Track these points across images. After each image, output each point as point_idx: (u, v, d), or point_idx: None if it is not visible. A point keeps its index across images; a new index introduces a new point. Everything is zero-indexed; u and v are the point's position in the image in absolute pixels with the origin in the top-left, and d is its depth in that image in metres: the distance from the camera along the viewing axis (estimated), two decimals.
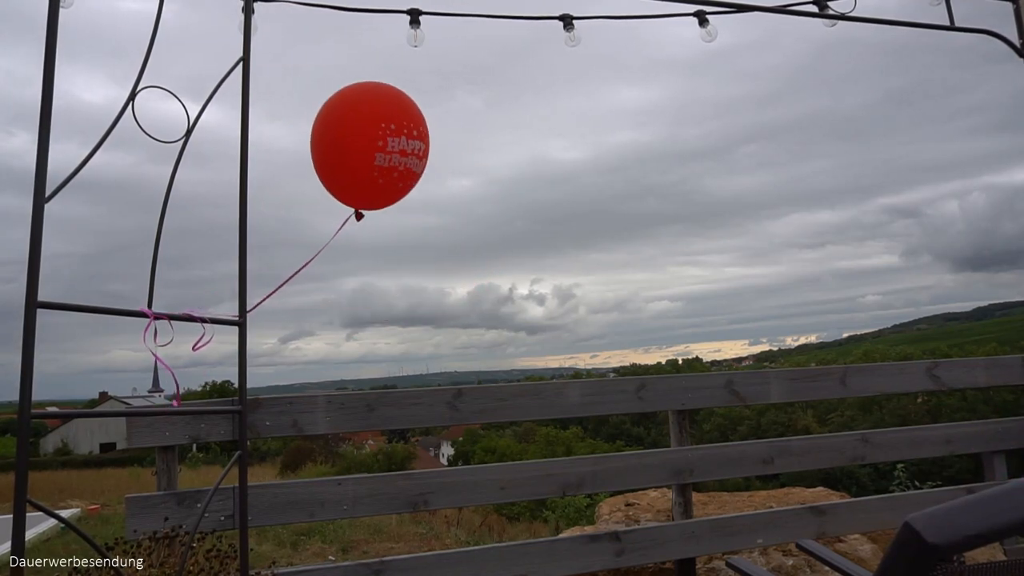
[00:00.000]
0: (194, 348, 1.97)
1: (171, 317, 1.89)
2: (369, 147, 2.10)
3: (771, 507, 3.36)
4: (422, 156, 2.19)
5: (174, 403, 2.02)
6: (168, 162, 2.01)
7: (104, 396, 54.97)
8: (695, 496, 3.70)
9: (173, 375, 1.93)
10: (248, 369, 2.18)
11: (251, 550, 2.17)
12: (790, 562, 3.23)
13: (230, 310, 2.07)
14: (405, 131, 2.12)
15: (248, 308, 2.07)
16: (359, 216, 2.26)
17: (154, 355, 1.85)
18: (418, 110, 2.26)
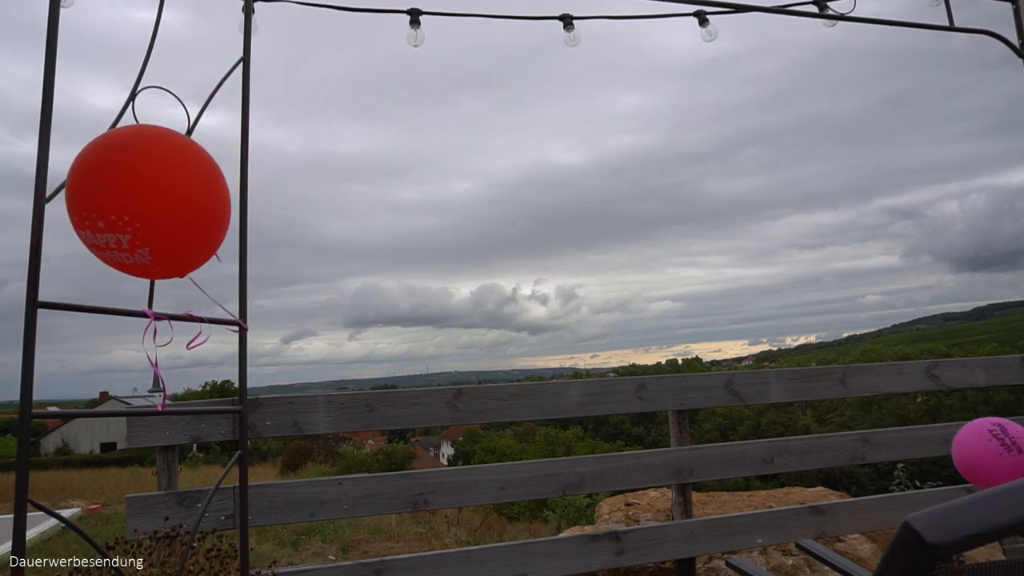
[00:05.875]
0: (188, 347, 1.96)
1: (171, 317, 1.89)
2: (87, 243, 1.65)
3: (771, 507, 3.36)
4: (130, 248, 1.60)
5: (158, 406, 1.95)
6: None
7: (105, 396, 54.93)
8: (695, 496, 3.71)
9: (162, 379, 1.90)
10: (249, 369, 2.18)
11: (251, 550, 2.17)
12: (790, 562, 3.23)
13: (232, 310, 2.07)
14: (89, 223, 1.58)
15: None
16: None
17: (148, 357, 1.83)
18: (123, 182, 1.58)
